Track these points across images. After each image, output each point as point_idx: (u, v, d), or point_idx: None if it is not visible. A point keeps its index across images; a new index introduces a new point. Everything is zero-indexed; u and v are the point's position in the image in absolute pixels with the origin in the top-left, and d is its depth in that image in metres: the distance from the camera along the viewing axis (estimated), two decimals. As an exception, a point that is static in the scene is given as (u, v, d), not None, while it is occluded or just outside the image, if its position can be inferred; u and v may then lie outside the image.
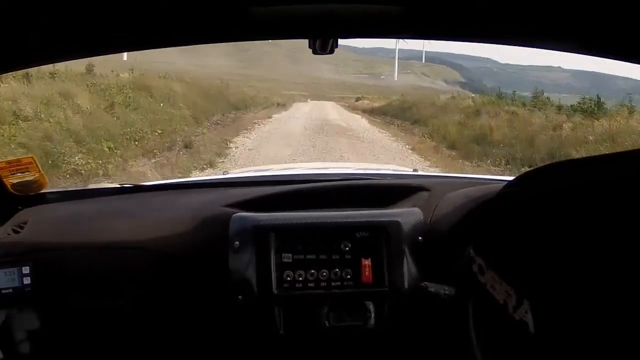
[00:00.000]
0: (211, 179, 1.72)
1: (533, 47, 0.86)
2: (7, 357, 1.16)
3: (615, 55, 0.81)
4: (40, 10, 0.66)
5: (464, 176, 1.86)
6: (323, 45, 0.85)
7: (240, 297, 1.12)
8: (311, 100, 44.70)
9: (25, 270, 1.15)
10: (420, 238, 1.14)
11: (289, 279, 1.12)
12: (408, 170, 2.03)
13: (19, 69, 0.88)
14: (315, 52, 0.88)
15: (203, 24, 0.79)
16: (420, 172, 1.90)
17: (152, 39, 0.85)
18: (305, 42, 0.85)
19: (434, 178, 1.60)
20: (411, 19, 0.74)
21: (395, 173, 1.86)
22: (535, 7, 0.70)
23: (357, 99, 41.14)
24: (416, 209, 1.19)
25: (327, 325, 1.13)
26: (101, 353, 1.28)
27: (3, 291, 1.14)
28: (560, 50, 0.87)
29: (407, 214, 1.18)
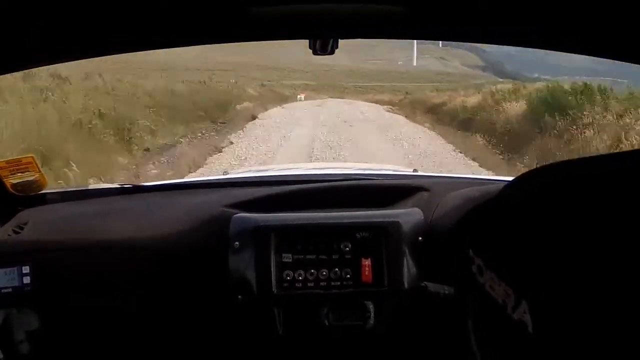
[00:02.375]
0: (211, 180, 1.72)
1: (534, 47, 0.86)
2: (7, 356, 1.16)
3: (616, 57, 0.81)
4: (40, 10, 0.66)
5: (464, 176, 1.86)
6: (323, 45, 0.85)
7: (239, 297, 1.12)
8: (303, 100, 22.52)
9: (25, 269, 1.15)
10: (420, 238, 1.14)
11: (288, 278, 1.12)
12: (408, 171, 2.03)
13: (20, 70, 0.88)
14: (315, 53, 0.88)
15: (203, 24, 0.79)
16: (420, 173, 1.90)
17: (152, 39, 0.85)
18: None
19: (434, 178, 1.60)
20: (412, 19, 0.74)
21: (396, 173, 1.86)
22: (537, 9, 0.70)
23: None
24: (416, 209, 1.19)
25: (327, 325, 1.13)
26: (101, 353, 1.28)
27: (3, 290, 1.13)
28: (562, 51, 0.87)
29: (407, 214, 1.18)
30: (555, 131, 8.82)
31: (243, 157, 8.55)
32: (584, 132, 8.30)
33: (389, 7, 0.71)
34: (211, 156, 8.74)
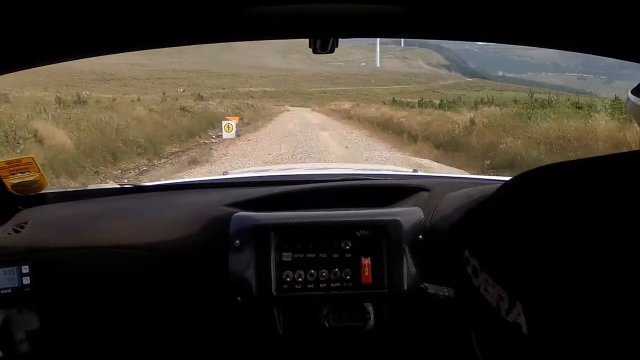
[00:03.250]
0: (211, 180, 1.72)
1: (534, 46, 0.86)
2: (7, 356, 1.16)
3: (616, 55, 0.81)
4: (41, 10, 0.66)
5: (464, 177, 1.86)
6: (323, 44, 0.85)
7: (239, 298, 1.12)
8: (233, 132, 12.11)
9: (25, 269, 1.15)
10: (420, 237, 1.14)
11: (288, 279, 1.12)
12: (408, 171, 2.03)
13: (21, 69, 0.88)
14: (315, 52, 0.88)
15: (203, 24, 0.79)
16: (420, 173, 1.90)
17: (152, 39, 0.85)
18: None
19: (434, 178, 1.60)
20: (411, 18, 0.74)
21: (396, 173, 1.86)
22: (536, 7, 0.70)
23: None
24: (417, 208, 1.19)
25: (327, 326, 1.13)
26: (100, 353, 1.28)
27: (2, 291, 1.13)
28: (562, 49, 0.87)
29: (407, 213, 1.18)
30: None
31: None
32: None
33: (389, 7, 0.71)
34: None
